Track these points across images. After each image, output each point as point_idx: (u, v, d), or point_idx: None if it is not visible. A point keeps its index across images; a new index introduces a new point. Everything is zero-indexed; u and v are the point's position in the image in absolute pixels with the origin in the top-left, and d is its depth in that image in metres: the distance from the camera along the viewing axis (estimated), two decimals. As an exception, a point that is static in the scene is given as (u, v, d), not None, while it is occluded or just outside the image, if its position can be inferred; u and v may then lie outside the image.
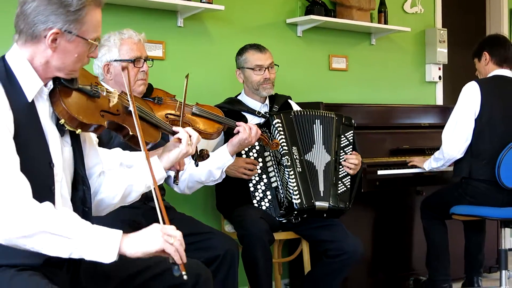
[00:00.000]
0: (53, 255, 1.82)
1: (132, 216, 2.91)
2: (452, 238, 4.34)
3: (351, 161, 3.52)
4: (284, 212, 3.43)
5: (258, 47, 3.66)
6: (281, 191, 3.43)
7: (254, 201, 3.47)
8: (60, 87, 1.99)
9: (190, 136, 2.35)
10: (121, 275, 2.15)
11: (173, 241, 1.88)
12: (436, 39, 5.27)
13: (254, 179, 3.48)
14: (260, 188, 3.49)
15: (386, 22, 4.89)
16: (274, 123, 3.46)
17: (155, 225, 1.92)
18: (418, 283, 4.31)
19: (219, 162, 3.08)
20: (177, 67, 3.95)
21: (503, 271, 4.01)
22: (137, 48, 2.98)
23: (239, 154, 3.41)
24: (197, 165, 2.60)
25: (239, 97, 3.74)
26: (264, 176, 3.48)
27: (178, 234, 1.91)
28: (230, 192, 3.55)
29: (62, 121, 1.97)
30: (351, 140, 3.59)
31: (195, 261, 2.29)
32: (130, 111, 2.14)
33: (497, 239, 4.69)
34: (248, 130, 3.05)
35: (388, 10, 4.90)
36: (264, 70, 3.61)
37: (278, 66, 3.70)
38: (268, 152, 3.48)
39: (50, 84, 1.99)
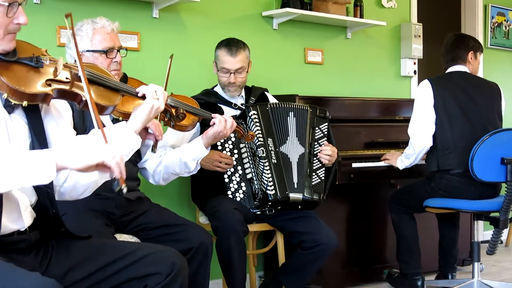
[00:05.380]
0: None
1: (106, 207, 2.89)
2: (426, 231, 4.38)
3: (325, 152, 3.54)
4: (258, 204, 3.44)
5: (231, 49, 3.55)
6: (255, 183, 3.43)
7: (229, 193, 3.47)
8: None
9: (155, 91, 2.33)
10: (90, 267, 2.11)
11: (113, 156, 1.86)
12: (411, 33, 5.29)
13: (229, 170, 3.47)
14: (235, 180, 3.48)
15: (362, 16, 4.90)
16: (250, 114, 3.46)
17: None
18: (391, 276, 4.34)
19: (194, 154, 3.07)
20: (152, 58, 3.92)
21: (476, 263, 4.04)
22: (110, 38, 2.90)
23: (214, 146, 3.40)
24: (173, 126, 2.63)
25: (215, 89, 3.73)
26: (239, 168, 3.48)
27: (118, 151, 1.89)
28: (205, 184, 3.54)
29: (4, 95, 1.93)
30: (326, 132, 3.61)
31: (170, 249, 2.26)
32: (80, 76, 2.05)
33: (470, 232, 4.74)
34: (223, 122, 3.00)
35: (364, 4, 4.91)
36: (230, 74, 3.58)
37: (249, 67, 3.65)
38: (244, 144, 3.47)
39: None
